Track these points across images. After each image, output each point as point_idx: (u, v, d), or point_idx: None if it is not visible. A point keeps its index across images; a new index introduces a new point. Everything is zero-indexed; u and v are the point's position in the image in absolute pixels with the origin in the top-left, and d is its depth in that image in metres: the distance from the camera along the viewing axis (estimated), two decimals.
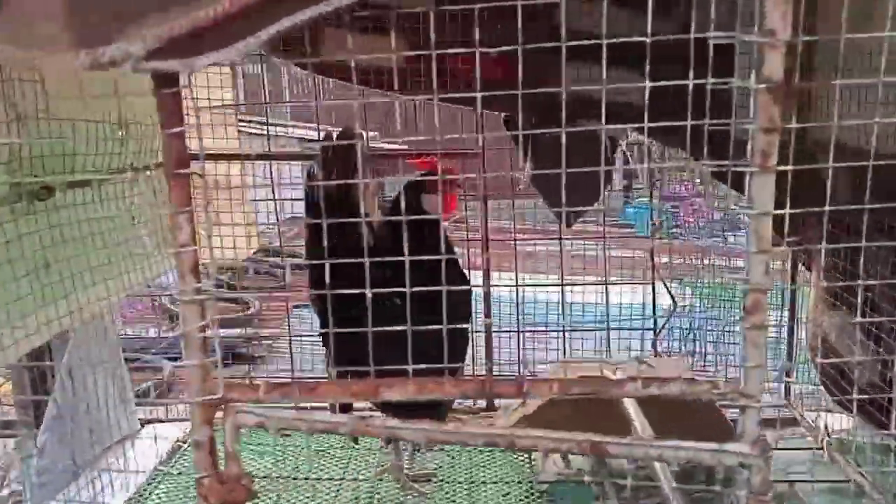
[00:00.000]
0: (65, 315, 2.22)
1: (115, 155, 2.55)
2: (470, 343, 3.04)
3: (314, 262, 2.27)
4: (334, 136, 2.34)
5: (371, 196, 2.49)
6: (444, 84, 3.15)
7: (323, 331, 2.32)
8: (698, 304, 3.43)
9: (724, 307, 3.54)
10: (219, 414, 1.04)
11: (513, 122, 3.14)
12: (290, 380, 0.98)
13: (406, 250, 1.18)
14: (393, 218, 2.64)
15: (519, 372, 3.38)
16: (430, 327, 1.14)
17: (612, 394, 0.96)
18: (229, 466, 1.03)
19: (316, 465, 2.87)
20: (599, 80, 3.15)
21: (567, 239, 3.48)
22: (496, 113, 3.28)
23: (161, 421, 3.35)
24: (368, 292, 1.15)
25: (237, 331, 6.80)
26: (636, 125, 2.90)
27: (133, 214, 2.73)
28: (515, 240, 3.35)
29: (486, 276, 3.28)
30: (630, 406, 2.74)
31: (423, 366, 1.09)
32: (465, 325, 2.64)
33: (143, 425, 3.27)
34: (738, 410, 0.95)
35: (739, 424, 0.98)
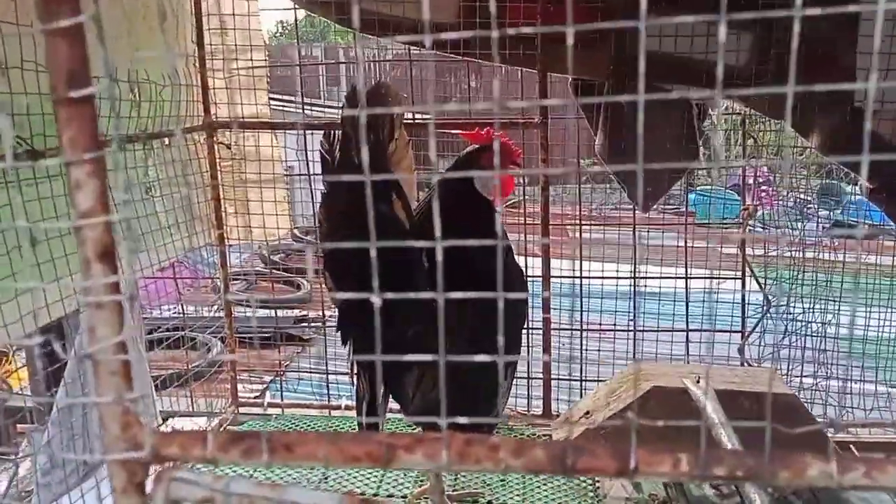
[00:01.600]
0: (57, 300, 1.92)
1: (123, 118, 2.24)
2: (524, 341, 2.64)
3: (330, 249, 1.90)
4: (362, 92, 1.94)
5: (407, 168, 2.09)
6: (503, 43, 2.73)
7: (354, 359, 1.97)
8: (792, 302, 2.93)
9: (822, 306, 3.03)
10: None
11: (583, 87, 2.70)
12: (255, 432, 0.58)
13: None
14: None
15: (581, 373, 2.96)
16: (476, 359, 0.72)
17: (778, 480, 0.54)
18: None
19: (348, 479, 2.53)
20: (687, 36, 2.61)
21: (641, 225, 3.02)
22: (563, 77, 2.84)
23: (185, 415, 3.08)
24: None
25: (287, 312, 6.56)
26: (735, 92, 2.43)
27: (147, 187, 2.42)
28: (581, 223, 2.91)
29: (546, 264, 2.87)
30: (714, 415, 2.29)
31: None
32: (515, 357, 2.25)
33: (164, 420, 3.00)
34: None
35: None
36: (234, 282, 6.39)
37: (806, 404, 2.64)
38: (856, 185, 3.55)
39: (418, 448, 0.63)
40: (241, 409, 3.04)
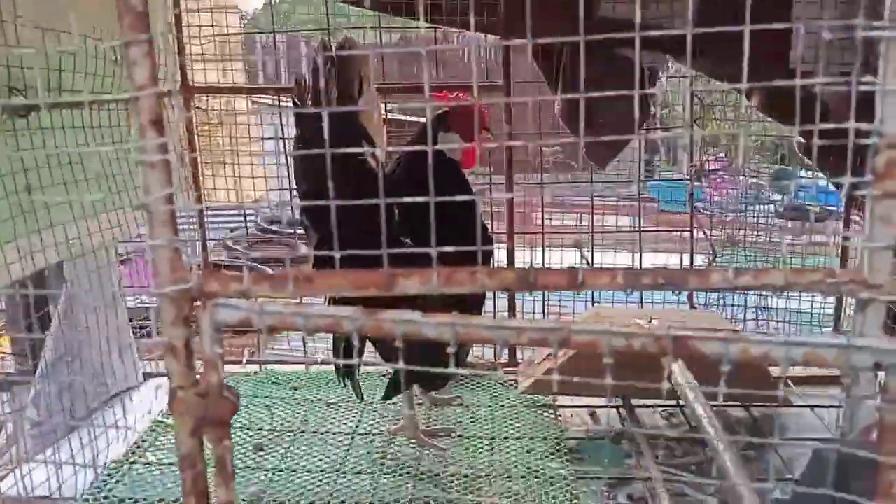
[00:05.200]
0: (50, 246, 2.03)
1: (108, 77, 2.34)
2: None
3: (307, 203, 2.03)
4: (331, 45, 2.07)
5: (377, 125, 2.24)
6: (465, 10, 2.89)
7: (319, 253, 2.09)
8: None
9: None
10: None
11: (543, 54, 2.88)
12: (283, 272, 0.75)
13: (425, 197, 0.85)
14: (410, 148, 2.40)
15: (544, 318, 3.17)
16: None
17: (690, 286, 0.73)
18: (208, 375, 0.82)
19: (327, 419, 2.68)
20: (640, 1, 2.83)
21: (598, 194, 3.23)
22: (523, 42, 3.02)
23: (165, 374, 3.19)
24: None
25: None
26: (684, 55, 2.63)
27: (132, 147, 2.52)
28: (542, 182, 3.10)
29: (510, 223, 3.06)
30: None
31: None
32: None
33: (146, 378, 3.10)
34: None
35: (858, 323, 0.75)
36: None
37: None
38: (808, 168, 3.80)
39: (414, 276, 0.80)
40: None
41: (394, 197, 0.88)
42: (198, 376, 0.86)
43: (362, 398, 2.55)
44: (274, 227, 8.39)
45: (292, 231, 7.61)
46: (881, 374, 0.73)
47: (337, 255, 0.84)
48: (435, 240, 0.82)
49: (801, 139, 2.87)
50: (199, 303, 0.83)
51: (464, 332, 0.74)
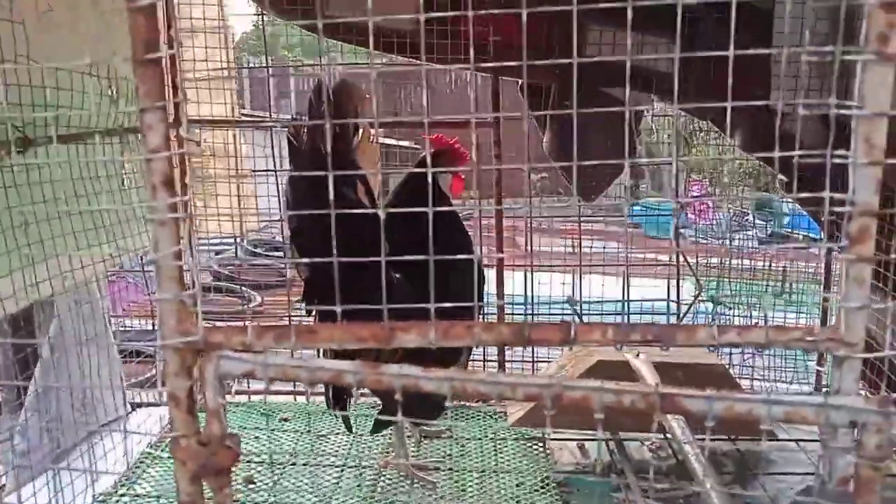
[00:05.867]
0: (44, 280, 2.04)
1: (103, 114, 2.37)
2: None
3: (296, 227, 2.07)
4: (327, 87, 2.12)
5: (371, 160, 2.29)
6: (457, 49, 2.96)
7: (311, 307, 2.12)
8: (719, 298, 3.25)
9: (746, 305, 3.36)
10: None
11: (531, 91, 2.95)
12: (285, 324, 0.78)
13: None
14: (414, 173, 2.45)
15: (532, 353, 3.20)
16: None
17: (678, 341, 0.76)
18: (210, 425, 0.84)
19: (317, 450, 2.69)
20: (625, 45, 2.91)
21: (586, 216, 3.30)
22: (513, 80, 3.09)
23: (153, 405, 3.18)
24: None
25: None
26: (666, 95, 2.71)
27: (124, 179, 2.55)
28: (531, 212, 3.15)
29: (500, 249, 3.11)
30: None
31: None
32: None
33: (133, 408, 3.09)
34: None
35: (835, 379, 0.79)
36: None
37: (735, 379, 2.94)
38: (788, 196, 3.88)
39: (412, 329, 0.83)
40: None
41: (385, 232, 0.93)
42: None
43: (351, 430, 2.56)
44: (258, 251, 8.39)
45: (278, 254, 7.65)
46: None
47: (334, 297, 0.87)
48: (425, 277, 0.86)
49: (783, 177, 2.95)
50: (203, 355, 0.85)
51: (460, 387, 0.77)
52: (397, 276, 2.23)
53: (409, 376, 0.79)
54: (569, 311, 3.41)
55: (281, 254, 8.06)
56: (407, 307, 0.87)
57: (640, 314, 3.25)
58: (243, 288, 7.02)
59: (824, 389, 3.10)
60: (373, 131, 2.50)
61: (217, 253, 7.73)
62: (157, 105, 0.78)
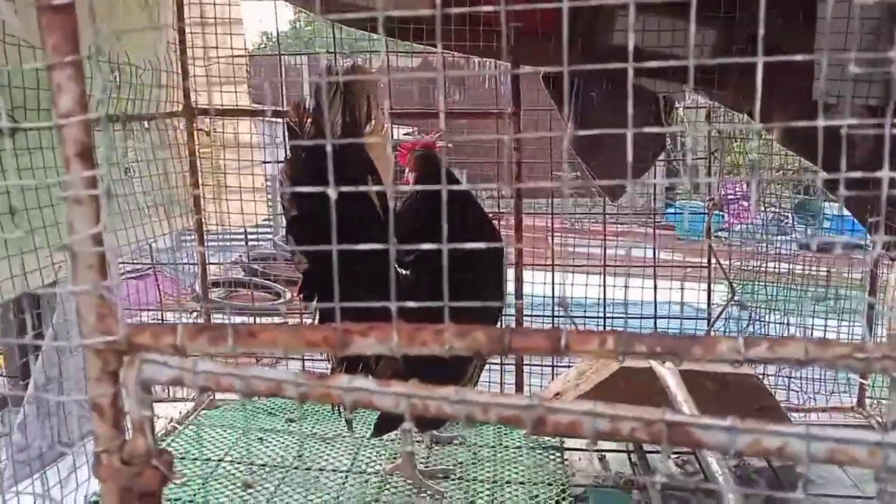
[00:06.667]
0: (34, 269, 1.95)
1: (103, 98, 2.27)
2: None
3: (299, 222, 1.94)
4: (338, 70, 1.99)
5: (384, 154, 2.15)
6: (475, 36, 2.81)
7: (319, 305, 2.00)
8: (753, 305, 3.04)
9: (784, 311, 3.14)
10: None
11: (554, 81, 2.79)
12: (221, 323, 0.64)
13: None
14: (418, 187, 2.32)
15: (552, 357, 3.03)
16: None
17: (693, 356, 0.61)
18: (134, 440, 0.71)
19: (322, 455, 2.57)
20: (656, 31, 2.71)
21: (611, 214, 3.13)
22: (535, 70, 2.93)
23: (158, 400, 3.10)
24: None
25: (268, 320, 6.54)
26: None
27: (125, 167, 2.46)
28: (552, 213, 2.99)
29: (518, 254, 2.95)
30: (681, 400, 2.38)
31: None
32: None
33: None
34: None
35: (894, 411, 0.62)
36: (214, 289, 6.37)
37: (769, 388, 2.74)
38: (833, 200, 3.66)
39: (371, 333, 0.69)
40: (218, 395, 3.07)
41: (396, 229, 0.80)
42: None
43: (350, 427, 2.44)
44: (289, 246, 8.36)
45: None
46: None
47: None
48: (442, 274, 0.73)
49: (826, 174, 2.74)
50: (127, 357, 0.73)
51: (420, 405, 0.63)
52: (405, 272, 2.09)
53: (361, 390, 0.65)
54: (600, 316, 3.23)
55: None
56: (419, 307, 0.72)
57: (668, 318, 3.06)
58: (274, 283, 6.99)
59: (873, 411, 2.88)
60: (386, 121, 2.36)
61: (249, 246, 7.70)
62: (66, 61, 0.65)
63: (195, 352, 0.71)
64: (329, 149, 0.73)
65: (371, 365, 2.04)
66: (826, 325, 3.10)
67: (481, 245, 0.86)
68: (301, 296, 2.00)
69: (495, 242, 2.36)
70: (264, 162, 2.92)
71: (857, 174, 0.68)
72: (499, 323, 2.55)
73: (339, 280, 0.73)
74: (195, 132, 2.75)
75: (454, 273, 0.76)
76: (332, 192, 0.69)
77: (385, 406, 0.64)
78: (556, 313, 3.17)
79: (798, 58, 0.69)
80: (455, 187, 2.11)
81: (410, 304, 0.71)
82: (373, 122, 2.15)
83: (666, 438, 0.58)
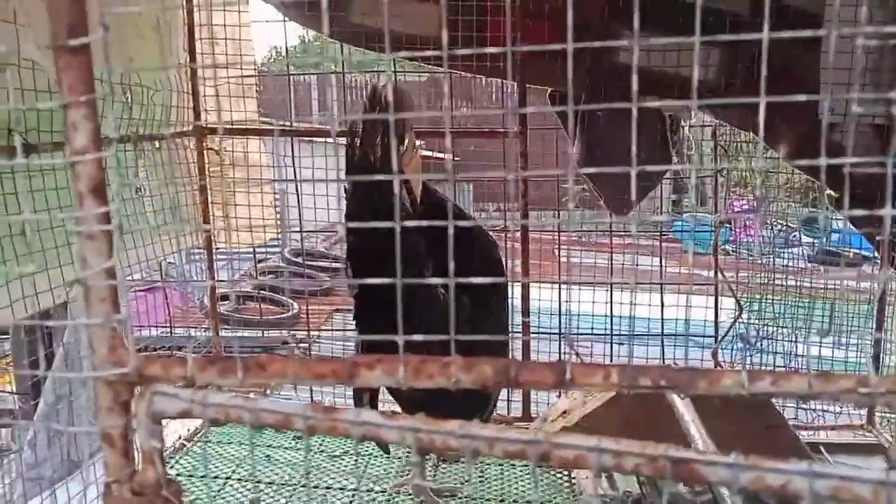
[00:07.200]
0: (45, 290, 1.98)
1: (115, 120, 2.31)
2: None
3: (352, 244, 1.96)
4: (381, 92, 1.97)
5: (415, 170, 2.16)
6: (482, 56, 2.83)
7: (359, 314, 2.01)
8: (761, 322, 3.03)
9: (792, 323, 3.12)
10: None
11: (561, 99, 2.81)
12: (230, 356, 0.66)
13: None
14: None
15: None
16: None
17: (697, 390, 0.61)
18: (145, 472, 0.72)
19: (329, 472, 2.57)
20: (660, 51, 2.72)
21: (617, 232, 3.13)
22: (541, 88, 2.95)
23: (173, 417, 3.11)
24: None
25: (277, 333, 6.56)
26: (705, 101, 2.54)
27: (136, 187, 2.49)
28: (559, 231, 3.00)
29: (525, 271, 2.96)
30: (688, 419, 2.37)
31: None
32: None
33: None
34: None
35: None
36: (223, 302, 6.40)
37: (777, 406, 2.72)
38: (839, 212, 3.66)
39: (377, 366, 0.70)
40: None
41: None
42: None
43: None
44: (298, 260, 8.39)
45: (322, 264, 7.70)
46: None
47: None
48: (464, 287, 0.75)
49: (832, 192, 2.73)
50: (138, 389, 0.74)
51: (427, 440, 0.64)
52: (443, 290, 2.09)
53: (368, 424, 0.66)
54: (607, 332, 3.22)
55: (321, 263, 8.08)
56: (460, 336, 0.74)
57: (675, 335, 3.05)
58: (282, 296, 7.01)
59: (883, 429, 2.86)
60: (418, 142, 2.36)
61: (259, 262, 7.75)
62: (82, 100, 0.67)
63: (205, 383, 0.72)
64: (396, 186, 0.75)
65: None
66: (833, 349, 3.08)
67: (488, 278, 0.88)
68: (356, 321, 2.01)
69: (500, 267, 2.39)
70: (274, 180, 2.95)
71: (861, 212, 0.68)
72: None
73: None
74: (205, 151, 2.78)
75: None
76: (396, 226, 0.70)
77: (391, 439, 0.65)
78: (562, 329, 3.17)
79: (801, 97, 0.70)
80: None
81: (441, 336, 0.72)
82: (405, 142, 2.15)
83: (670, 474, 0.58)
